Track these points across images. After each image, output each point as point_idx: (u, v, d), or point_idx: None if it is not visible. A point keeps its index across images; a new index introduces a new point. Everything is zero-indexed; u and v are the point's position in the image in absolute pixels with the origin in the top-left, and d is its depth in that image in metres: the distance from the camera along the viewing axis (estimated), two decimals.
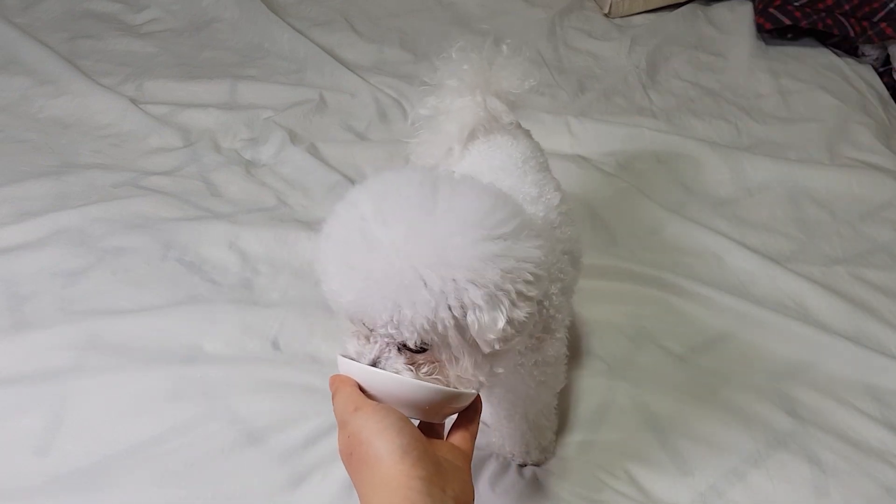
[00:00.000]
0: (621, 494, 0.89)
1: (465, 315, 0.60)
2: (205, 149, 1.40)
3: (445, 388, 0.62)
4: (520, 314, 0.62)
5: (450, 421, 0.67)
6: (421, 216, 0.60)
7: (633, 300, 1.15)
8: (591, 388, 1.02)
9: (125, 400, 0.95)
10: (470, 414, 0.67)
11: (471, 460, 0.64)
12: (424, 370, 0.63)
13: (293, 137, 1.43)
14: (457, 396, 0.63)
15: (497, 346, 0.62)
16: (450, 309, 0.59)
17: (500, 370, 0.67)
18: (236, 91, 1.57)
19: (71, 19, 1.77)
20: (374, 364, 0.63)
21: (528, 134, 0.99)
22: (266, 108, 1.52)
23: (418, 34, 1.81)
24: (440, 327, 0.59)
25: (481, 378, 0.65)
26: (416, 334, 0.59)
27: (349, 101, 1.56)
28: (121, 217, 1.22)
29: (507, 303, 0.61)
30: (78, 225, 1.20)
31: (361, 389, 0.63)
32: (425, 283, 0.58)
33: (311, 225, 1.24)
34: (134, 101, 1.50)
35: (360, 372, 0.63)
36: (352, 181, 1.34)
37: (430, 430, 0.66)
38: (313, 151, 1.40)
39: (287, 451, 0.91)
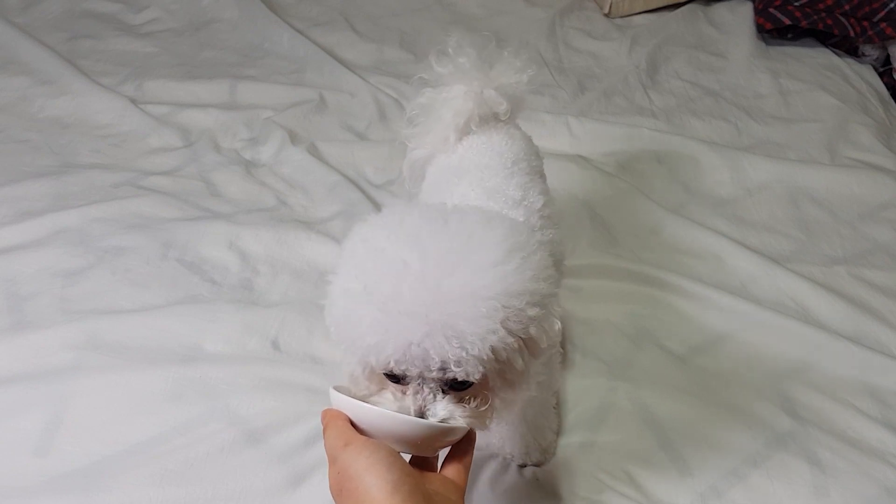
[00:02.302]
0: (621, 495, 0.89)
1: (527, 331, 0.61)
2: (205, 149, 1.40)
3: (437, 423, 0.62)
4: (559, 312, 0.65)
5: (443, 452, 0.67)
6: (463, 253, 0.60)
7: (633, 300, 1.15)
8: (591, 388, 1.01)
9: (125, 400, 0.95)
10: (464, 446, 0.66)
11: (464, 493, 0.64)
12: (474, 405, 0.64)
13: (293, 137, 1.43)
14: (449, 431, 0.63)
15: (547, 351, 0.65)
16: (511, 333, 0.60)
17: (534, 385, 0.69)
18: (236, 91, 1.57)
19: (71, 19, 1.77)
20: (422, 413, 0.62)
21: (526, 137, 0.99)
22: (266, 108, 1.52)
23: (418, 34, 1.81)
24: (504, 354, 0.60)
25: (519, 400, 0.66)
26: (479, 367, 0.59)
27: (349, 101, 1.56)
28: (121, 217, 1.22)
29: (556, 308, 0.64)
30: (78, 225, 1.20)
31: (353, 424, 0.62)
32: (489, 316, 0.58)
33: (312, 225, 1.24)
34: (134, 101, 1.50)
35: (352, 406, 0.62)
36: (352, 181, 1.34)
37: (423, 462, 0.66)
38: (313, 151, 1.40)
39: (287, 451, 0.91)
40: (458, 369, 0.59)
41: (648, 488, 0.90)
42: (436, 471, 0.66)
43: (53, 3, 1.81)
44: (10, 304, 1.07)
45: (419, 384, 0.62)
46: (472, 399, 0.64)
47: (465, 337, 0.58)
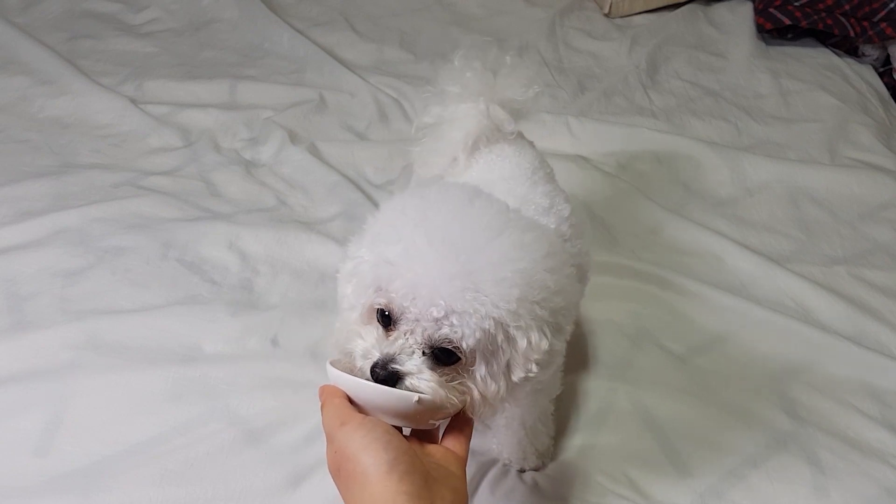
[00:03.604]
0: (622, 497, 0.89)
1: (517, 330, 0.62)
2: (205, 149, 1.40)
3: (429, 397, 0.61)
4: (557, 344, 0.64)
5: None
6: (494, 236, 0.62)
7: (633, 300, 1.15)
8: (591, 390, 1.01)
9: (125, 400, 0.95)
10: (465, 416, 0.66)
11: (465, 463, 0.64)
12: (452, 383, 0.63)
13: (293, 137, 1.43)
14: (442, 405, 0.63)
15: (533, 370, 0.63)
16: (508, 325, 0.61)
17: (518, 398, 0.69)
18: (236, 91, 1.57)
19: (71, 19, 1.77)
20: (389, 359, 0.61)
21: (531, 144, 0.98)
22: (266, 108, 1.52)
23: (418, 34, 1.81)
24: (500, 337, 0.61)
25: (498, 404, 0.66)
26: (474, 335, 0.60)
27: (349, 101, 1.56)
28: (121, 217, 1.22)
29: (550, 331, 0.64)
30: (78, 225, 1.20)
31: (350, 400, 0.62)
32: (510, 284, 0.60)
33: (312, 225, 1.24)
34: (134, 101, 1.50)
35: (348, 383, 0.62)
36: (352, 181, 1.34)
37: (425, 433, 0.66)
38: (313, 151, 1.40)
39: (287, 451, 0.91)
40: (457, 324, 0.59)
41: (648, 490, 0.90)
42: (437, 442, 0.66)
43: (53, 3, 1.81)
44: (10, 304, 1.07)
45: (407, 332, 0.62)
46: (449, 378, 0.63)
47: (484, 291, 0.59)
